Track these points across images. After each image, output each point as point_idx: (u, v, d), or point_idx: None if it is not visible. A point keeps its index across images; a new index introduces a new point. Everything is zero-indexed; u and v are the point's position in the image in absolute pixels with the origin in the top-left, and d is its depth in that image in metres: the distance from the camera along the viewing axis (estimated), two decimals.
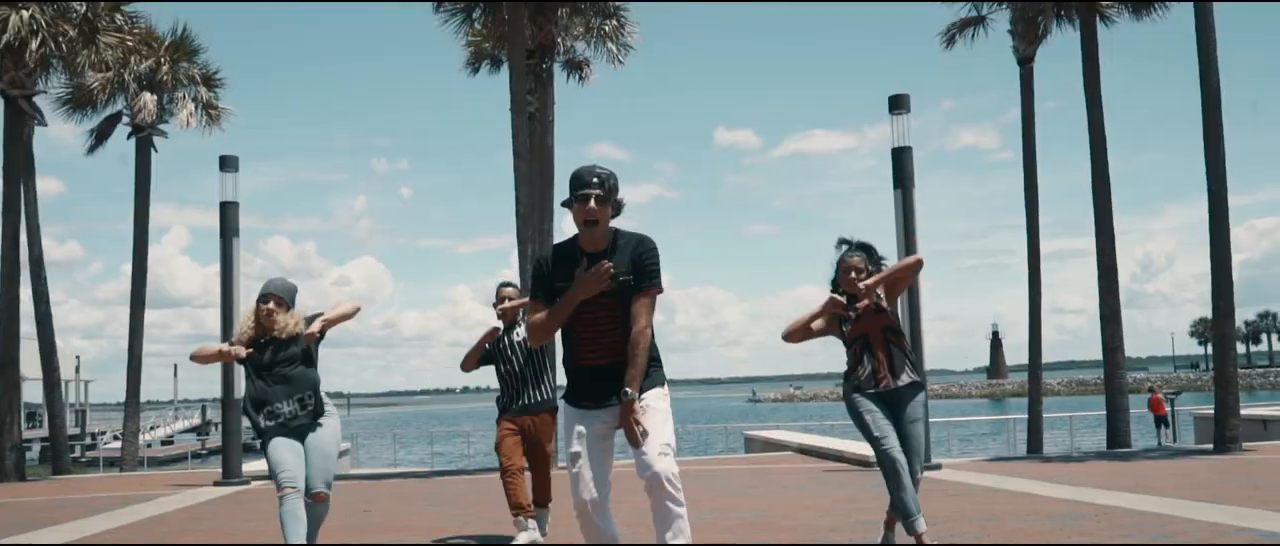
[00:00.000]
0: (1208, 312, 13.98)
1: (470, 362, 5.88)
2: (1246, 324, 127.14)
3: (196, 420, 50.88)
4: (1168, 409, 21.23)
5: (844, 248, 4.73)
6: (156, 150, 20.26)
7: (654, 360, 3.43)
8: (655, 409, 3.29)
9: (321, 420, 5.06)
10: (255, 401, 4.97)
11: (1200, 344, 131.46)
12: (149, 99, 19.39)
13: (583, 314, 3.34)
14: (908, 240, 10.94)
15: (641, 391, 3.29)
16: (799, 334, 4.72)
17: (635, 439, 3.21)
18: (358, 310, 5.21)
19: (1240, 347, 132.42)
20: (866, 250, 4.69)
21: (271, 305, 4.99)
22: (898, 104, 11.48)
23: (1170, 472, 9.85)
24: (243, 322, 5.09)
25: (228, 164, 12.90)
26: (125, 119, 20.29)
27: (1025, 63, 17.40)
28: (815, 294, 4.86)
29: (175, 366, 60.35)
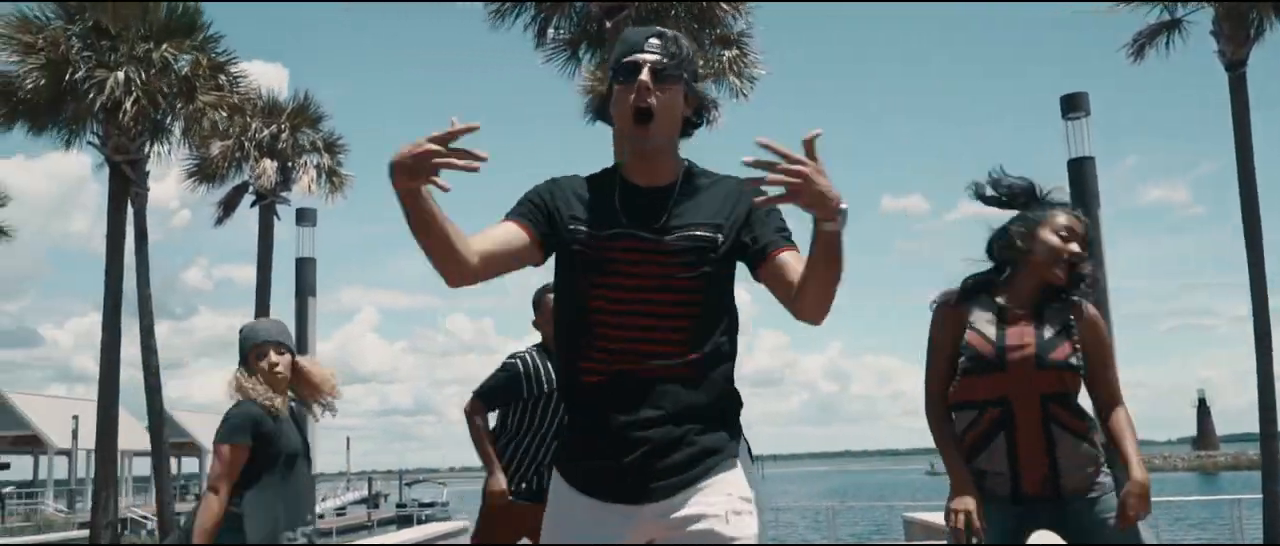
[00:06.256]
0: None
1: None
2: None
3: (364, 492, 51.72)
4: None
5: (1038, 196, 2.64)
6: (279, 218, 19.93)
7: (731, 406, 1.94)
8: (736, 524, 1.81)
9: None
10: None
11: None
12: (269, 165, 19.05)
13: (612, 288, 1.86)
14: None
15: (709, 467, 1.84)
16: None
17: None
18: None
19: None
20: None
21: (275, 358, 3.46)
22: (1073, 104, 9.19)
23: None
24: (251, 389, 3.44)
25: (305, 217, 11.91)
26: (251, 189, 20.11)
27: (1235, 67, 14.46)
28: None
29: (347, 439, 62.22)
